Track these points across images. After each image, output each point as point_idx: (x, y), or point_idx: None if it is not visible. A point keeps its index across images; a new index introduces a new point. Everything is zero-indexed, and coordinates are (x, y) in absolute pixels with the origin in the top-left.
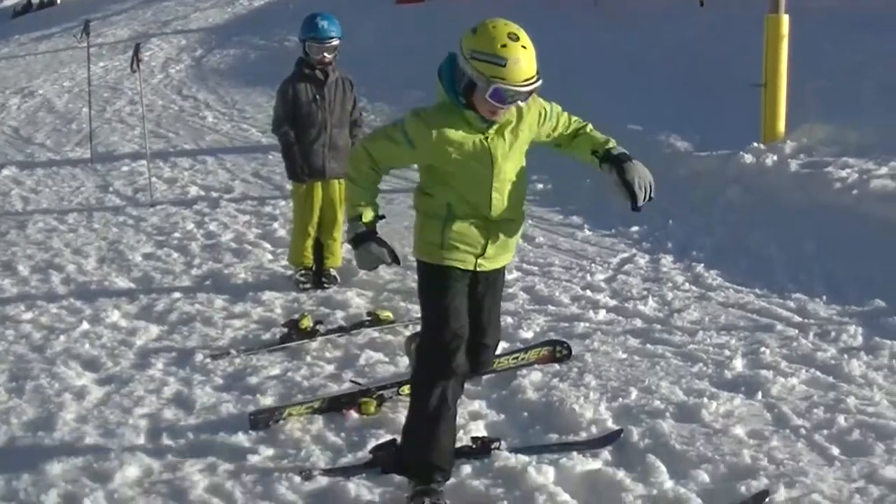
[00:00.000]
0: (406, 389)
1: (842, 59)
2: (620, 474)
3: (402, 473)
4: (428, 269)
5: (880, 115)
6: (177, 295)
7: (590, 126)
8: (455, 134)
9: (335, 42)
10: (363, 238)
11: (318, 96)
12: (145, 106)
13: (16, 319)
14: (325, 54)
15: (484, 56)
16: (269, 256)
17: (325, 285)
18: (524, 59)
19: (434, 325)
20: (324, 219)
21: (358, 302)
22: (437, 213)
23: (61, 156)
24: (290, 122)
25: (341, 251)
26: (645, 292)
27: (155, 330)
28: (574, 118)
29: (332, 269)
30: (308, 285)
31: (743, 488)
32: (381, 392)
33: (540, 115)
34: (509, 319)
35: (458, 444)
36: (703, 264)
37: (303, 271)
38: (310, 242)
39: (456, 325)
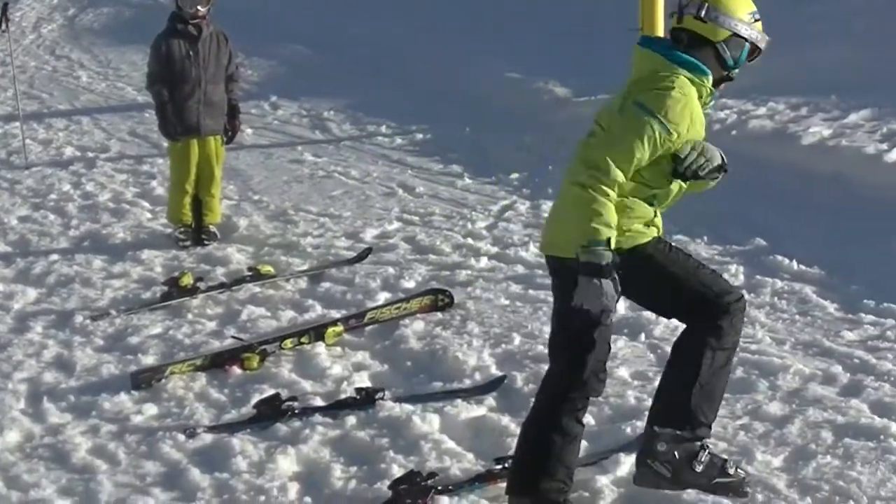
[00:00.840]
0: (289, 343)
1: None
2: (505, 420)
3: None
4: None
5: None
6: (55, 257)
7: None
8: (699, 111)
9: None
10: (609, 271)
11: (191, 52)
12: (17, 67)
13: None
14: (199, 7)
15: (754, 17)
16: (148, 215)
17: (206, 242)
18: None
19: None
20: (201, 175)
21: (238, 258)
22: (646, 197)
23: None
24: (164, 80)
25: (220, 207)
26: (526, 238)
27: (33, 293)
28: None
29: (211, 226)
30: (188, 242)
31: (628, 429)
32: (263, 347)
33: None
34: (390, 270)
35: (342, 396)
36: None
37: (182, 228)
38: (188, 200)
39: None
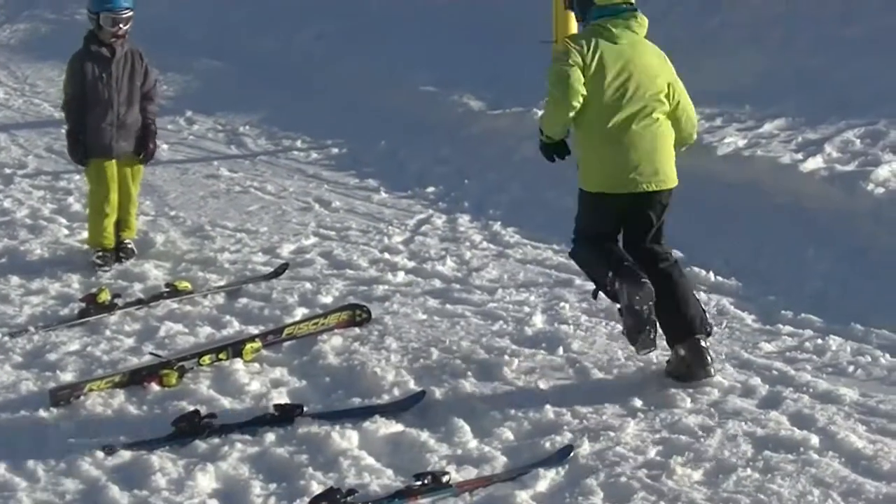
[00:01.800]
0: (207, 360)
1: None
2: (424, 435)
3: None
4: None
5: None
6: None
7: None
8: None
9: (130, 13)
10: None
11: (104, 74)
12: None
13: None
14: (121, 26)
15: None
16: (66, 231)
17: (123, 258)
18: None
19: None
20: (119, 196)
21: (156, 273)
22: None
23: None
24: (78, 102)
25: (136, 223)
26: (443, 252)
27: None
28: None
29: (128, 242)
30: (106, 268)
31: (548, 444)
32: (181, 363)
33: None
34: (307, 285)
35: (261, 412)
36: (499, 222)
37: (100, 253)
38: (109, 222)
39: None
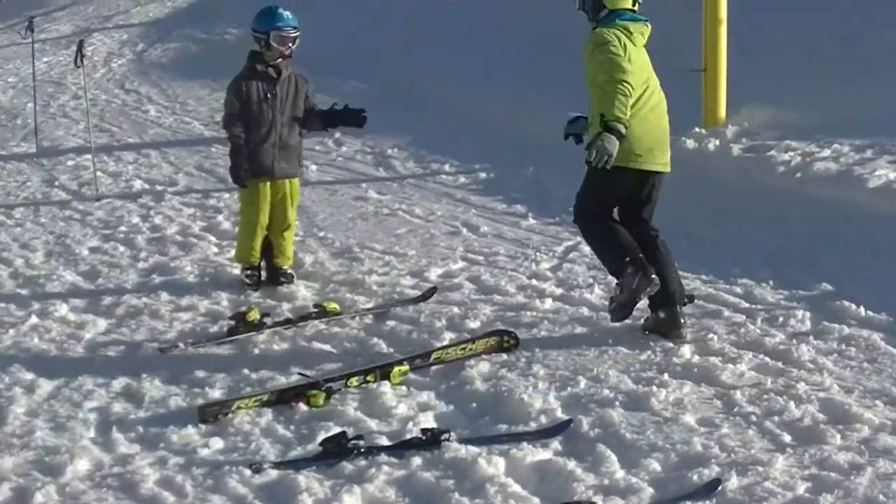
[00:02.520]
0: (354, 381)
1: (782, 42)
2: (571, 464)
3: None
4: None
5: (821, 96)
6: (124, 288)
7: None
8: None
9: (297, 33)
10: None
11: (269, 94)
12: (89, 100)
13: None
14: (290, 45)
15: None
16: (215, 249)
17: (284, 282)
18: None
19: None
20: (274, 218)
21: (305, 294)
22: None
23: (7, 151)
24: (241, 121)
25: (292, 249)
26: (591, 280)
27: (103, 324)
28: None
29: (286, 268)
30: (255, 287)
31: (695, 477)
32: (329, 384)
33: None
34: (455, 310)
35: (408, 436)
36: None
37: (249, 271)
38: (257, 242)
39: None
